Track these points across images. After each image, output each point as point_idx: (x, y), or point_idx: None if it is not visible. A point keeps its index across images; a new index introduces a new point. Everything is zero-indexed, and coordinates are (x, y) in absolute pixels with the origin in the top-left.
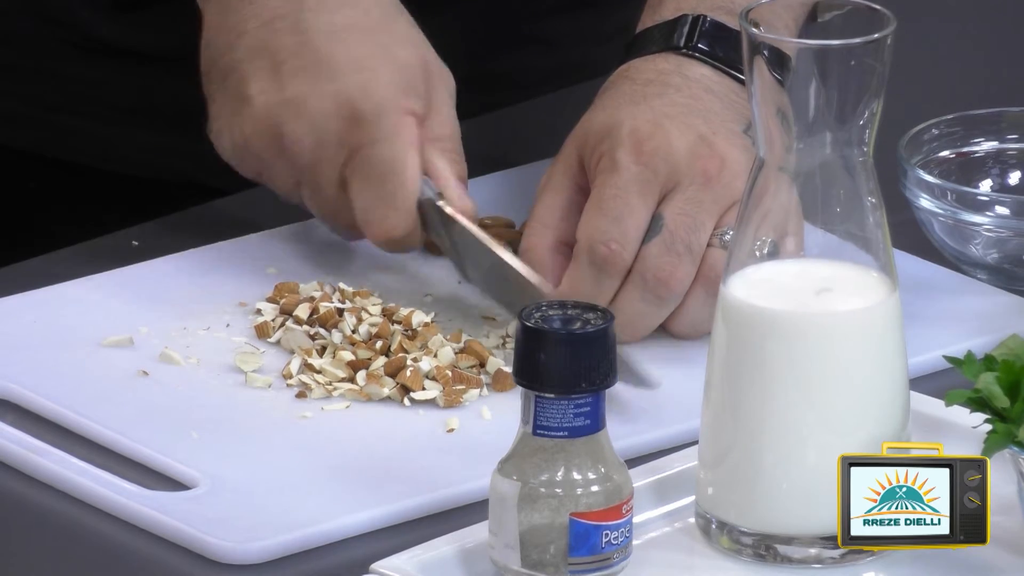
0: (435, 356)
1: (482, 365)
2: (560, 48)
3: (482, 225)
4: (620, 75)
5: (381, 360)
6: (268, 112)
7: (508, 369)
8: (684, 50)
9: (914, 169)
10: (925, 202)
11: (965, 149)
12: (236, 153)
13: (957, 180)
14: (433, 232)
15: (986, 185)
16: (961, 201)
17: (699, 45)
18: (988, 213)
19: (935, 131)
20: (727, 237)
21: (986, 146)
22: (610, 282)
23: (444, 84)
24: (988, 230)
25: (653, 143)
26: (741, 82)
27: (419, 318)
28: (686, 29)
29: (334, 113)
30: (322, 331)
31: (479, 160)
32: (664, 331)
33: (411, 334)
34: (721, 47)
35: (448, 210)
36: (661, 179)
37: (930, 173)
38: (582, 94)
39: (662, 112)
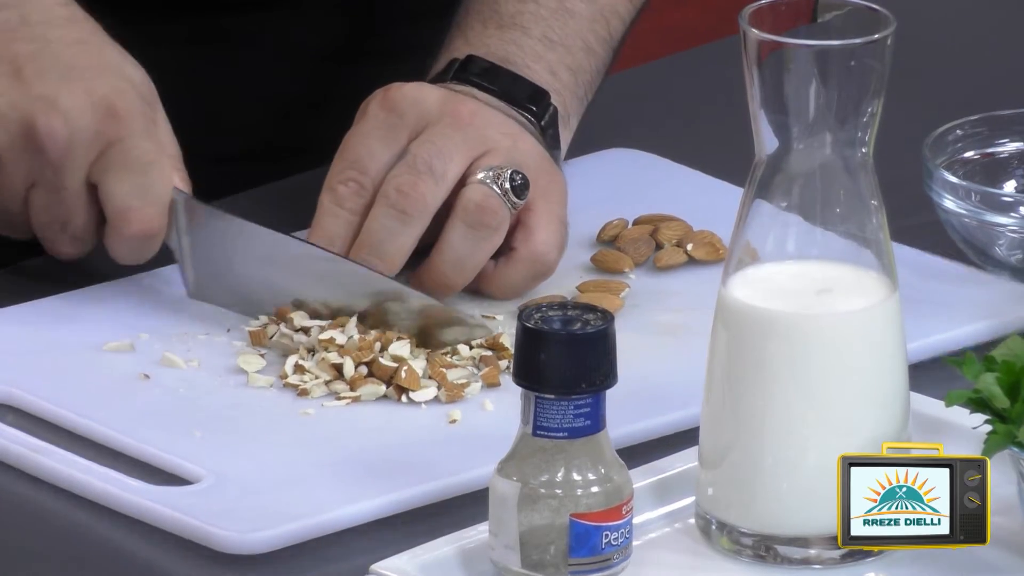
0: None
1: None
2: (403, 61)
3: None
4: None
5: (361, 366)
6: (15, 108)
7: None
8: (453, 81)
9: (938, 170)
10: (949, 203)
11: (990, 150)
12: None
13: (981, 181)
14: (171, 236)
15: (1010, 186)
16: (985, 202)
17: (472, 79)
18: (1012, 214)
19: (960, 132)
20: (483, 177)
21: (1011, 147)
22: (351, 216)
23: (160, 106)
24: (1012, 231)
25: (403, 92)
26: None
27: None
28: (455, 69)
29: (89, 107)
30: (303, 337)
31: None
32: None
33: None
34: (495, 83)
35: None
36: (409, 123)
37: (954, 174)
38: None
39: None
